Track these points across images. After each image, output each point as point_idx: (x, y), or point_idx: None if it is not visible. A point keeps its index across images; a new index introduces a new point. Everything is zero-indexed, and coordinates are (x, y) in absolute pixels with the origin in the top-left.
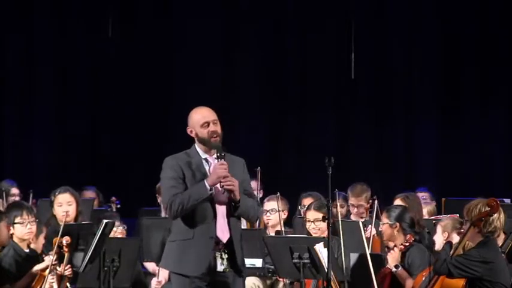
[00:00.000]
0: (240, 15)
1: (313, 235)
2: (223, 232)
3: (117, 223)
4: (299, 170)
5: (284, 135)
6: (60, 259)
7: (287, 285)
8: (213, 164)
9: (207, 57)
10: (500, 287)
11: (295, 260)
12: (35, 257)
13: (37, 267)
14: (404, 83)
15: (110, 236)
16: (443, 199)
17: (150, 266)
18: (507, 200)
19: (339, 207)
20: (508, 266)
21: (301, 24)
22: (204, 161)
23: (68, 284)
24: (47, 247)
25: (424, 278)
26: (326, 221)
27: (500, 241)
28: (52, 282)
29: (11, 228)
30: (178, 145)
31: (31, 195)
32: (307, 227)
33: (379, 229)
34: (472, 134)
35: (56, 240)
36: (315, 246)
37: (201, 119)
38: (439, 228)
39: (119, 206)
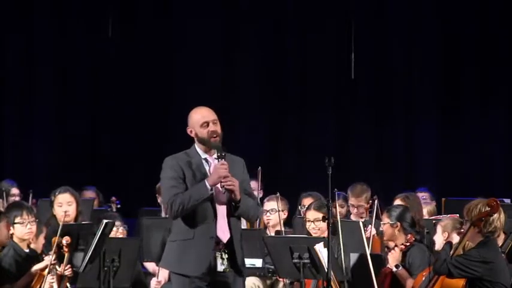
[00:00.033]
0: (240, 15)
1: (313, 235)
2: (223, 232)
3: (118, 223)
4: (299, 170)
5: (284, 135)
6: (60, 259)
7: (287, 285)
8: (214, 164)
9: (207, 57)
10: (500, 287)
11: (295, 260)
12: (35, 257)
13: (36, 267)
14: (404, 83)
15: (111, 235)
16: (443, 199)
17: (150, 266)
18: (507, 200)
19: (338, 207)
20: (508, 266)
21: (301, 24)
22: (204, 161)
23: (68, 284)
24: (47, 247)
25: (424, 278)
26: (326, 221)
27: (500, 241)
28: (52, 282)
29: (11, 228)
30: (178, 145)
31: (31, 195)
32: (307, 227)
33: (380, 229)
34: (472, 134)
35: (55, 239)
36: (315, 246)
37: (201, 119)
38: (439, 228)
39: (119, 206)
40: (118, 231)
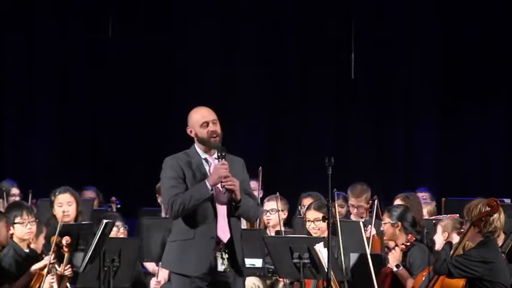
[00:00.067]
0: (240, 15)
1: (313, 235)
2: (223, 232)
3: (119, 223)
4: (299, 170)
5: (284, 135)
6: (60, 259)
7: (287, 285)
8: (214, 164)
9: (207, 57)
10: (500, 287)
11: (295, 260)
12: (35, 257)
13: (35, 266)
14: (404, 83)
15: (112, 235)
16: (443, 199)
17: (150, 266)
18: (507, 200)
19: (338, 207)
20: (508, 266)
21: (301, 24)
22: (204, 161)
23: (68, 284)
24: (47, 247)
25: (424, 278)
26: (326, 221)
27: (500, 241)
28: (52, 282)
29: (11, 228)
30: (178, 145)
31: (30, 195)
32: (307, 227)
33: (381, 229)
34: (472, 134)
35: (54, 238)
36: (315, 246)
37: (201, 119)
38: (439, 228)
39: (119, 206)
40: (119, 231)
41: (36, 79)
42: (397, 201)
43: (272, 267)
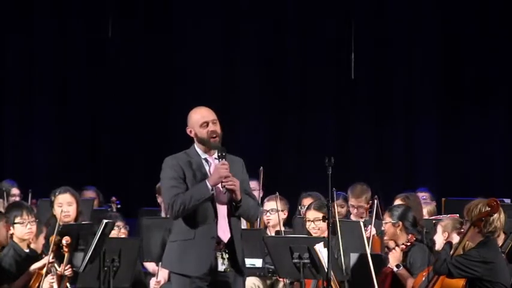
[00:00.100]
0: (240, 15)
1: (313, 235)
2: (224, 232)
3: (120, 223)
4: (299, 170)
5: (284, 135)
6: (60, 259)
7: (287, 285)
8: (214, 164)
9: (207, 57)
10: (500, 287)
11: (295, 260)
12: (35, 257)
13: (34, 266)
14: (404, 83)
15: (113, 235)
16: (443, 199)
17: (150, 266)
18: (507, 200)
19: (338, 207)
20: (508, 266)
21: (301, 24)
22: (204, 161)
23: (68, 284)
24: (47, 247)
25: (424, 278)
26: (326, 221)
27: (500, 241)
28: (52, 282)
29: (11, 228)
30: (178, 145)
31: (30, 195)
32: (307, 226)
33: (382, 228)
34: (472, 134)
35: (53, 238)
36: (315, 246)
37: (200, 119)
38: (439, 228)
39: (119, 206)
40: (120, 231)
41: (36, 79)
42: (397, 201)
43: (272, 267)
